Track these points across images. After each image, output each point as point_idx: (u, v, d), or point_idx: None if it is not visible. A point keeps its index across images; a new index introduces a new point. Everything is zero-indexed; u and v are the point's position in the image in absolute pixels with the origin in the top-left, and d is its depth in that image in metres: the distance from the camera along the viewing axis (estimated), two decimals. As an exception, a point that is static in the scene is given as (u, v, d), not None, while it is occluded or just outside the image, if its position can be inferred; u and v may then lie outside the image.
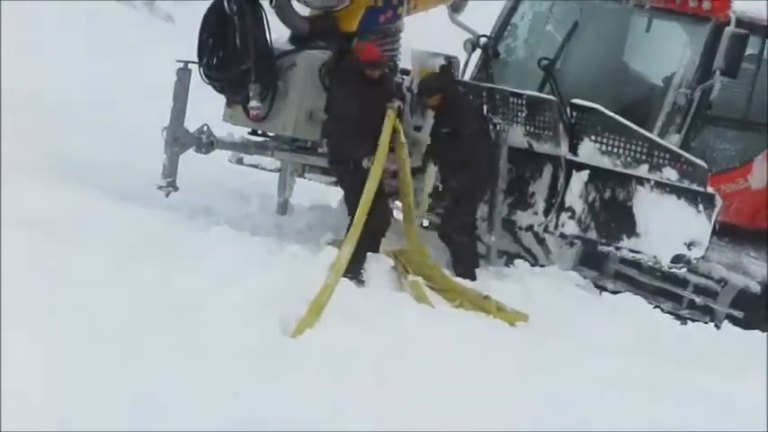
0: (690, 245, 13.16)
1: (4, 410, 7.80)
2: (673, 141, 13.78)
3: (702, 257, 13.32)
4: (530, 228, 13.80)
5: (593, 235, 13.48)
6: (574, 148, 13.50)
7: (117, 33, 22.02)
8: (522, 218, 13.76)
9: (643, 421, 9.81)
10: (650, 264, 13.47)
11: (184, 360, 9.12)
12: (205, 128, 13.64)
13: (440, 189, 13.59)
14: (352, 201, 12.66)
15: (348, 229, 12.08)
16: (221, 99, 13.74)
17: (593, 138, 13.43)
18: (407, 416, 9.13)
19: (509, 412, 9.54)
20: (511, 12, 15.12)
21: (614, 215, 13.39)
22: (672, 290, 13.86)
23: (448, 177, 13.46)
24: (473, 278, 13.00)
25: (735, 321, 13.73)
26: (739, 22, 13.97)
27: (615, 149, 13.36)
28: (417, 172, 13.61)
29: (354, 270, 12.15)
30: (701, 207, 13.12)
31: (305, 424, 8.64)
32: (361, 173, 12.56)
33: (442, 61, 13.88)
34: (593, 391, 10.35)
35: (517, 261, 13.79)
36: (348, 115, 12.90)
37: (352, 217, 12.29)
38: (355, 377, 9.52)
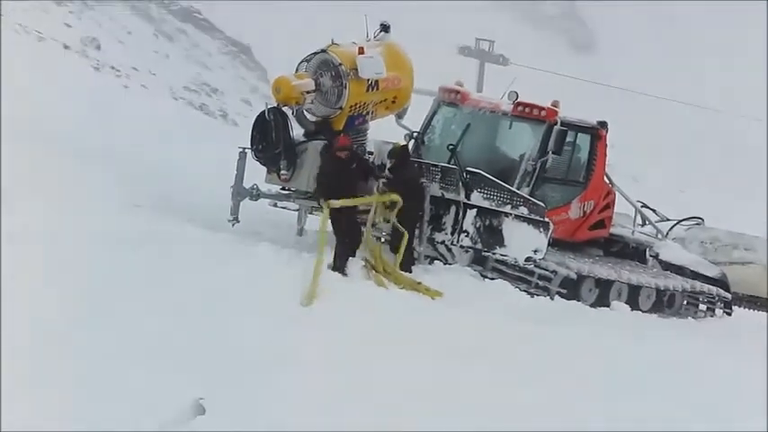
0: (535, 251, 13.20)
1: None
2: (525, 191, 13.78)
3: (542, 258, 13.36)
4: (443, 242, 13.64)
5: (479, 246, 13.36)
6: (468, 196, 13.39)
7: (201, 131, 22.03)
8: (439, 236, 13.59)
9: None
10: (512, 262, 13.40)
11: (243, 314, 9.22)
12: (255, 185, 13.74)
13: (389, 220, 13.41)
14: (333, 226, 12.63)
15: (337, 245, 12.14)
16: (263, 169, 13.65)
17: (478, 190, 13.36)
18: (373, 338, 9.50)
19: (429, 341, 9.88)
20: (431, 117, 15.02)
21: (492, 234, 13.27)
22: (525, 277, 13.68)
23: (398, 213, 13.15)
24: (410, 272, 12.84)
25: (562, 296, 13.73)
26: (563, 123, 14.11)
27: (491, 196, 13.31)
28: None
29: (341, 268, 12.12)
30: (541, 229, 13.17)
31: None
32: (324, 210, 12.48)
33: (390, 147, 13.51)
34: (480, 334, 10.50)
35: (436, 262, 13.70)
36: (322, 176, 12.75)
37: (337, 235, 12.37)
38: (343, 324, 9.68)
